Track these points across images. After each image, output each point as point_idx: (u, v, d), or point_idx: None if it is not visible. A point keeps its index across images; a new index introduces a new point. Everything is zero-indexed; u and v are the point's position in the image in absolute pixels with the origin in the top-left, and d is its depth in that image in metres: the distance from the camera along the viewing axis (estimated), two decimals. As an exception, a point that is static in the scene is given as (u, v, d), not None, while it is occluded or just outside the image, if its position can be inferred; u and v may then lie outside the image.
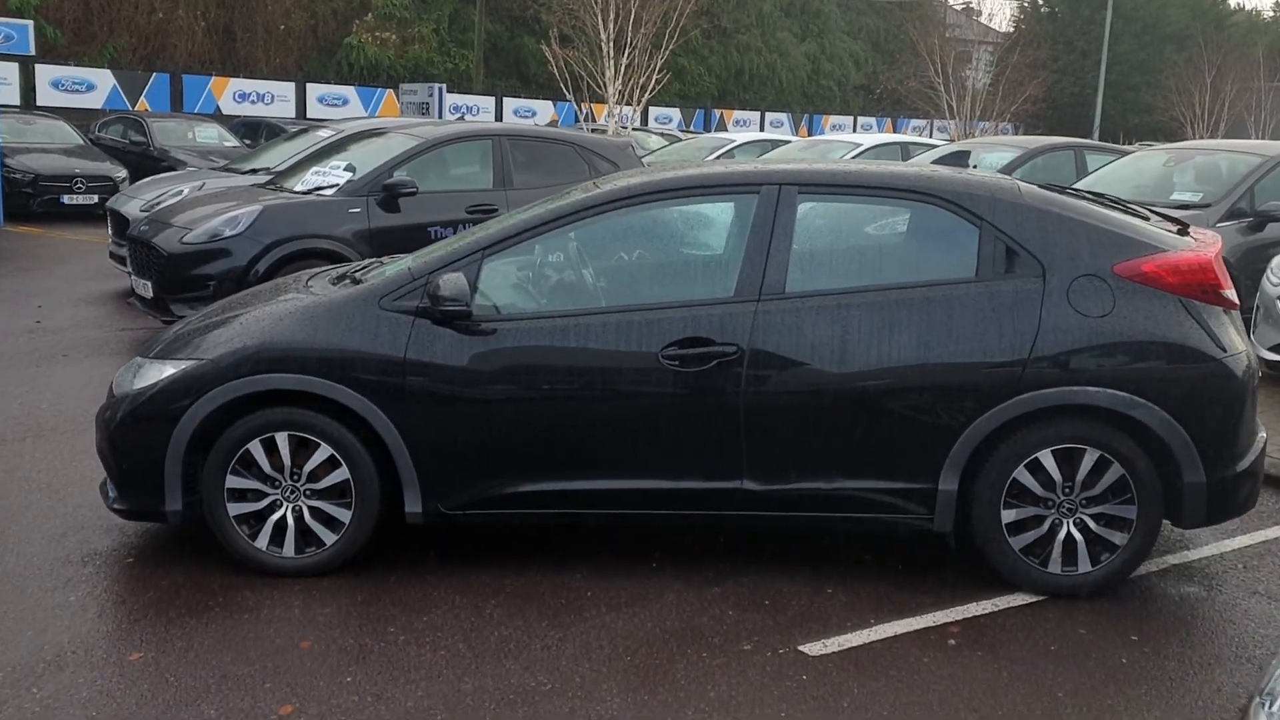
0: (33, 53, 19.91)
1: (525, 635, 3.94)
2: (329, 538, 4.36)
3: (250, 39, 30.77)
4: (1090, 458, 4.25)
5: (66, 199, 16.34)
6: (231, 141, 19.57)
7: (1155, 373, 4.22)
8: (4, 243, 13.94)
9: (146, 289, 8.32)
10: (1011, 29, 50.66)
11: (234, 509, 4.33)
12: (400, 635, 3.93)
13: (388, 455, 4.30)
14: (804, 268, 4.41)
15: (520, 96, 33.21)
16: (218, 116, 23.70)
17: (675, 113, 36.25)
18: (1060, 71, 42.57)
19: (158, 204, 9.81)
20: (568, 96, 23.83)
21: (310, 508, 4.35)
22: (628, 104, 24.02)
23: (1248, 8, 53.10)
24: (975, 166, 11.81)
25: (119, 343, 8.50)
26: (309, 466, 4.32)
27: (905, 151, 14.95)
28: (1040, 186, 4.72)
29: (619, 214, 4.57)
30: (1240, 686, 3.75)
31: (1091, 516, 4.30)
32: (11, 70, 22.37)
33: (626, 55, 23.23)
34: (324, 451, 4.30)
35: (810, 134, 36.27)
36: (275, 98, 27.83)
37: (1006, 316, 4.22)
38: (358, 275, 4.77)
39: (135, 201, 10.60)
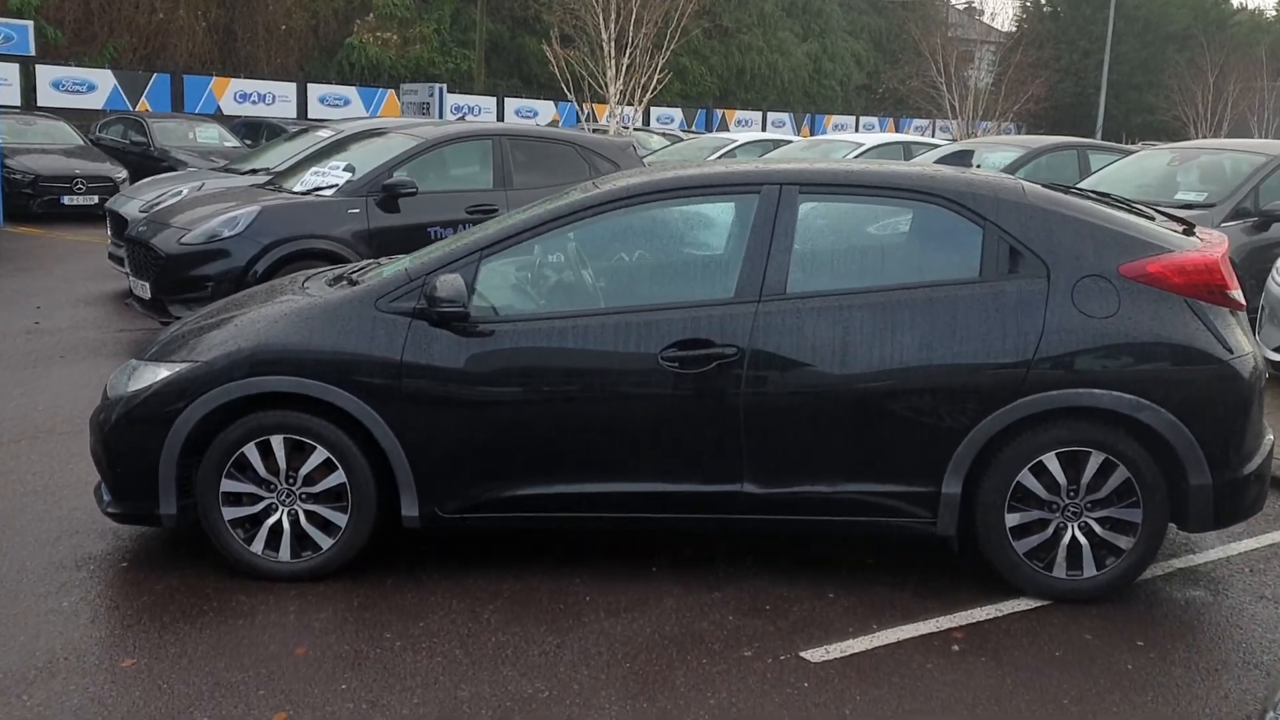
0: (33, 53, 19.90)
1: (523, 641, 3.89)
2: (325, 542, 4.31)
3: (251, 39, 30.74)
4: (1095, 460, 4.20)
5: (67, 199, 16.31)
6: (232, 142, 19.54)
7: (1161, 374, 4.16)
8: (4, 243, 13.91)
9: (145, 290, 8.28)
10: (1014, 28, 50.61)
11: (229, 513, 4.28)
12: (396, 641, 3.88)
13: (384, 458, 4.25)
14: (805, 268, 4.36)
15: (522, 97, 33.17)
16: (218, 117, 23.67)
17: (677, 113, 36.21)
18: (1063, 71, 42.47)
19: (156, 205, 9.77)
20: (569, 96, 23.78)
21: (306, 511, 4.30)
22: (629, 104, 23.98)
23: (1250, 7, 53.18)
24: (978, 166, 11.75)
25: (117, 344, 8.46)
26: (305, 470, 4.27)
27: (907, 151, 14.90)
28: (1044, 186, 4.67)
29: (618, 214, 4.52)
30: (1248, 693, 3.69)
31: (1096, 520, 4.25)
32: (12, 71, 22.34)
33: (628, 55, 23.19)
34: (320, 455, 4.25)
35: (812, 134, 36.22)
36: (276, 98, 27.79)
37: (1010, 317, 4.17)
38: (354, 276, 4.72)
39: (134, 202, 10.57)
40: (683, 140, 21.87)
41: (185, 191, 10.17)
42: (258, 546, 4.30)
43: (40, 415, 6.48)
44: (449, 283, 4.16)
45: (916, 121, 40.05)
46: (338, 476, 4.26)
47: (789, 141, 18.85)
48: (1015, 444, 4.19)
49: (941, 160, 11.98)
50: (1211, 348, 4.19)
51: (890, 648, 3.92)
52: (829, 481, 4.23)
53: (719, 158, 16.15)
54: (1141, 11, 46.04)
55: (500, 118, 31.05)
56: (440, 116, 23.52)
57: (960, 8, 56.07)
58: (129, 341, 8.43)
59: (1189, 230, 4.70)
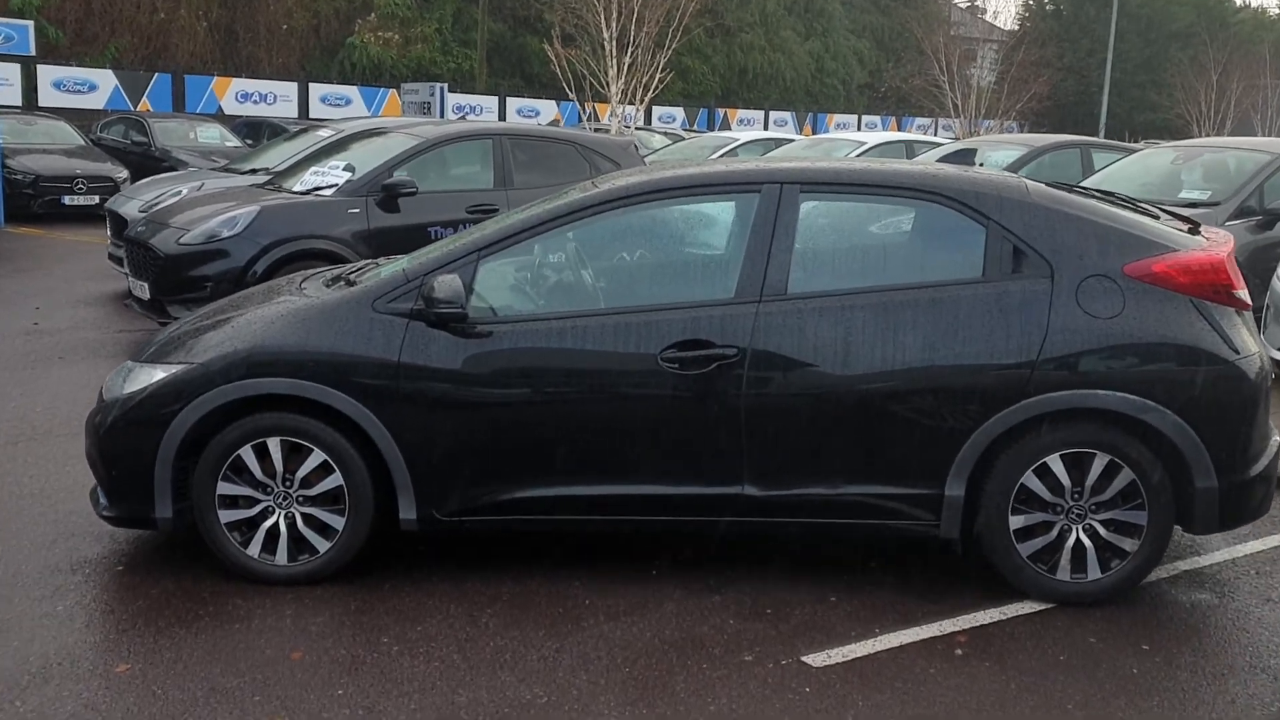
0: (33, 53, 19.89)
1: (521, 646, 3.85)
2: (322, 545, 4.27)
3: (253, 39, 30.72)
4: (1100, 462, 4.15)
5: (67, 200, 16.29)
6: (233, 142, 19.52)
7: (1166, 375, 4.12)
8: (4, 243, 13.89)
9: (144, 290, 8.25)
10: (1016, 27, 50.54)
11: (225, 516, 4.25)
12: (394, 646, 3.84)
13: (382, 460, 4.21)
14: (806, 268, 4.32)
15: (523, 96, 33.12)
16: (220, 117, 23.63)
17: (679, 112, 36.15)
18: (1065, 69, 42.41)
19: (156, 205, 9.73)
20: (571, 96, 23.74)
21: (303, 514, 4.26)
22: (630, 103, 23.92)
23: (1253, 5, 52.93)
24: (981, 165, 11.70)
25: (116, 345, 8.43)
26: (302, 472, 4.23)
27: (910, 150, 14.85)
28: (1048, 185, 4.63)
29: (617, 214, 4.48)
30: (1255, 698, 3.65)
31: (1101, 522, 4.21)
32: (13, 71, 22.29)
33: (629, 54, 23.13)
34: (317, 457, 4.21)
35: (814, 133, 36.15)
36: (277, 98, 27.73)
37: (1014, 318, 4.13)
38: (352, 277, 4.68)
39: (134, 202, 10.54)
40: (684, 139, 21.82)
41: (184, 191, 10.13)
42: (254, 550, 4.26)
43: (38, 417, 6.44)
44: (446, 283, 4.12)
45: (919, 120, 39.96)
46: (335, 479, 4.22)
47: (791, 140, 18.81)
48: (1019, 445, 4.15)
49: (944, 159, 11.94)
50: (1217, 348, 4.15)
51: (893, 652, 3.88)
52: (831, 484, 4.19)
53: (720, 157, 16.11)
54: (1144, 10, 45.97)
55: (502, 117, 30.99)
56: (441, 116, 23.49)
57: (963, 6, 55.99)
58: (128, 342, 8.40)
59: (1194, 229, 4.65)
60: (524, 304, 4.53)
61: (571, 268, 4.63)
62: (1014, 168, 11.52)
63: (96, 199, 15.93)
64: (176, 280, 7.98)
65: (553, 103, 32.17)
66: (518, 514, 4.27)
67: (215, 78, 27.16)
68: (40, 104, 22.74)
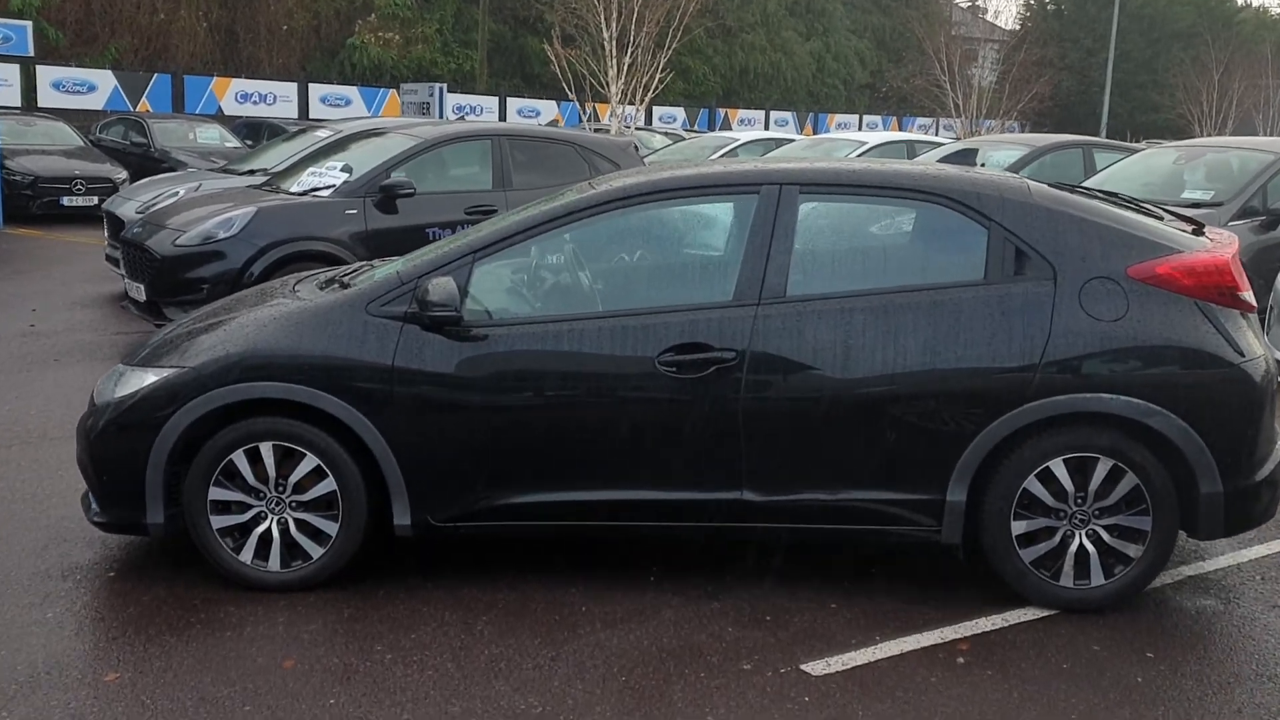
0: (31, 53, 19.83)
1: (516, 654, 3.80)
2: (315, 551, 4.21)
3: (253, 39, 30.68)
4: (1103, 467, 4.10)
5: (66, 201, 16.25)
6: (233, 142, 19.47)
7: (1171, 379, 4.06)
8: (2, 245, 13.85)
9: (140, 292, 8.20)
10: (1017, 27, 50.47)
11: (217, 521, 4.19)
12: (387, 654, 3.78)
13: (376, 466, 4.15)
14: (806, 270, 4.26)
15: (524, 96, 33.08)
16: (219, 117, 23.60)
17: (680, 112, 36.10)
18: (1067, 69, 42.37)
19: (153, 206, 9.69)
20: (571, 96, 23.69)
21: (296, 520, 4.21)
22: (631, 103, 23.87)
23: (1255, 5, 52.79)
24: (982, 165, 11.64)
25: (112, 347, 8.38)
26: (294, 477, 4.18)
27: (911, 150, 14.79)
28: (1050, 185, 4.57)
29: (614, 215, 4.42)
30: (1262, 707, 3.59)
31: (1105, 528, 4.15)
32: (12, 71, 22.26)
33: (629, 54, 23.08)
34: (310, 462, 4.16)
35: (815, 133, 36.10)
36: (277, 98, 27.69)
37: (1016, 320, 4.07)
38: (346, 280, 4.63)
39: (131, 203, 10.50)
40: (685, 139, 21.76)
41: (182, 192, 10.08)
42: (247, 556, 4.21)
43: (32, 420, 6.39)
44: (441, 286, 4.07)
45: (920, 120, 39.91)
46: (328, 484, 4.17)
47: (791, 140, 18.75)
48: (1021, 450, 4.09)
49: (945, 159, 11.88)
50: (1222, 351, 4.09)
51: (893, 660, 3.82)
52: (830, 489, 4.13)
53: (721, 157, 16.05)
54: (1146, 9, 45.90)
55: (502, 117, 30.96)
56: (441, 116, 23.45)
57: (964, 6, 55.88)
58: (125, 345, 8.34)
59: (1198, 230, 4.60)
60: (520, 307, 4.48)
61: (568, 270, 4.58)
62: (1015, 168, 11.46)
63: (95, 200, 15.88)
64: (173, 282, 7.93)
65: (553, 103, 32.14)
66: (514, 520, 4.22)
67: (215, 78, 27.12)
68: (39, 105, 22.73)
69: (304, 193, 8.48)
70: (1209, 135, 36.86)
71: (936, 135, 29.86)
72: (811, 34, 44.46)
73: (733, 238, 4.52)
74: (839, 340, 4.08)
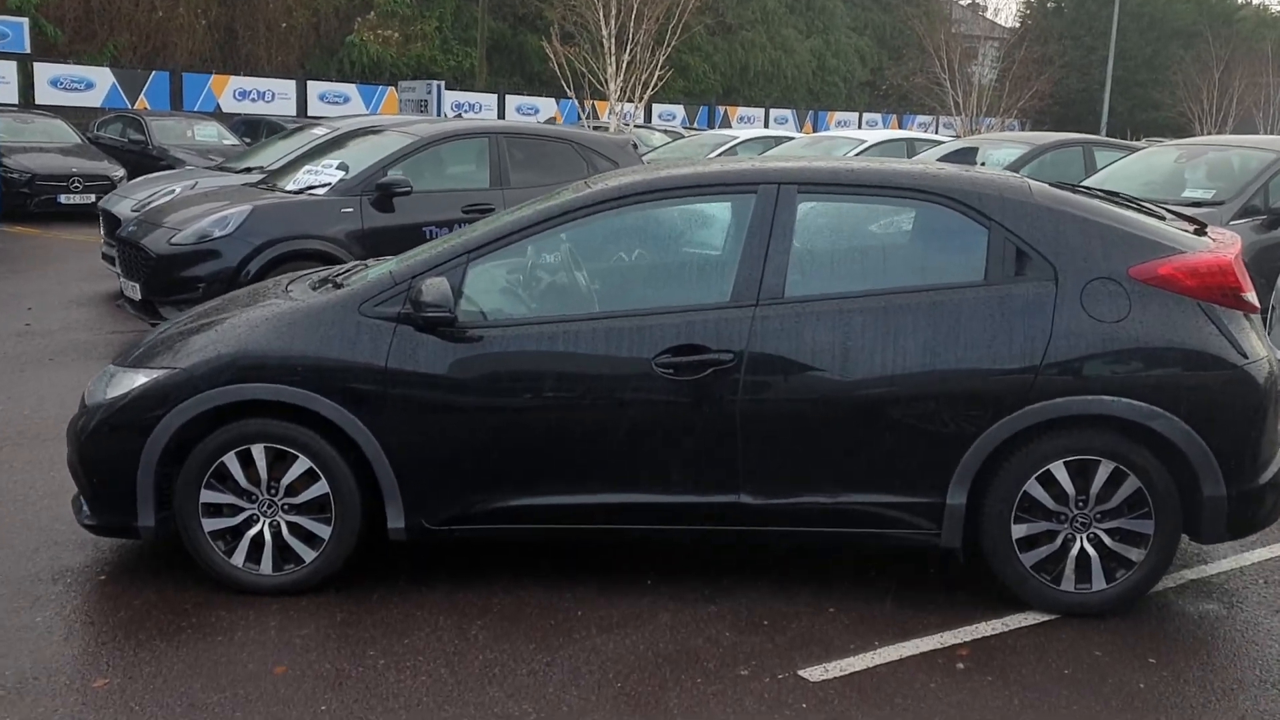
0: (28, 51, 19.78)
1: (511, 659, 3.75)
2: (308, 554, 4.17)
3: (252, 37, 30.61)
4: (1105, 470, 4.05)
5: (63, 198, 16.19)
6: (231, 140, 19.41)
7: (1173, 381, 4.01)
8: (-2, 243, 13.80)
9: (135, 291, 8.15)
10: (1017, 24, 50.41)
11: (209, 524, 4.15)
12: (380, 659, 3.74)
13: (369, 468, 4.11)
14: (804, 270, 4.22)
15: (523, 94, 33.01)
16: (218, 115, 23.52)
17: (679, 109, 36.04)
18: (1067, 67, 42.24)
19: (148, 204, 9.63)
20: (570, 94, 23.63)
21: (288, 523, 4.16)
22: (630, 101, 23.81)
23: (1255, 2, 52.65)
24: (982, 164, 11.59)
25: (108, 346, 8.32)
26: (287, 480, 4.13)
27: (911, 148, 14.73)
28: (1051, 185, 4.52)
29: (611, 215, 4.37)
30: (1266, 714, 3.54)
31: (1106, 531, 4.10)
32: (10, 69, 22.18)
33: (628, 52, 23.01)
34: (302, 464, 4.11)
35: (815, 130, 36.03)
36: (275, 96, 27.61)
37: (1017, 321, 4.02)
38: (339, 280, 4.58)
39: (127, 201, 10.43)
40: (684, 137, 21.70)
41: (177, 190, 10.03)
42: (239, 559, 4.16)
43: (25, 420, 6.35)
44: (434, 286, 4.02)
45: (920, 118, 39.83)
46: (321, 487, 4.12)
47: (791, 138, 18.69)
48: (1022, 453, 4.04)
49: (945, 158, 11.82)
50: (1225, 353, 4.04)
51: (892, 666, 3.78)
52: (829, 492, 4.09)
53: (720, 155, 16.00)
54: (1146, 7, 45.84)
55: (501, 115, 30.89)
56: (438, 114, 23.38)
57: (964, 4, 55.83)
58: (120, 344, 8.28)
59: (1201, 230, 4.55)
60: (515, 307, 4.42)
61: (563, 270, 4.53)
62: (1015, 166, 11.40)
63: (93, 198, 15.79)
64: (168, 281, 7.88)
65: (552, 100, 32.07)
66: (509, 523, 4.18)
67: (213, 76, 27.06)
68: (37, 102, 22.65)
69: (300, 191, 8.43)
70: (1209, 133, 36.79)
71: (936, 133, 29.75)
72: (811, 31, 44.39)
73: (730, 238, 4.47)
74: (838, 341, 4.03)
